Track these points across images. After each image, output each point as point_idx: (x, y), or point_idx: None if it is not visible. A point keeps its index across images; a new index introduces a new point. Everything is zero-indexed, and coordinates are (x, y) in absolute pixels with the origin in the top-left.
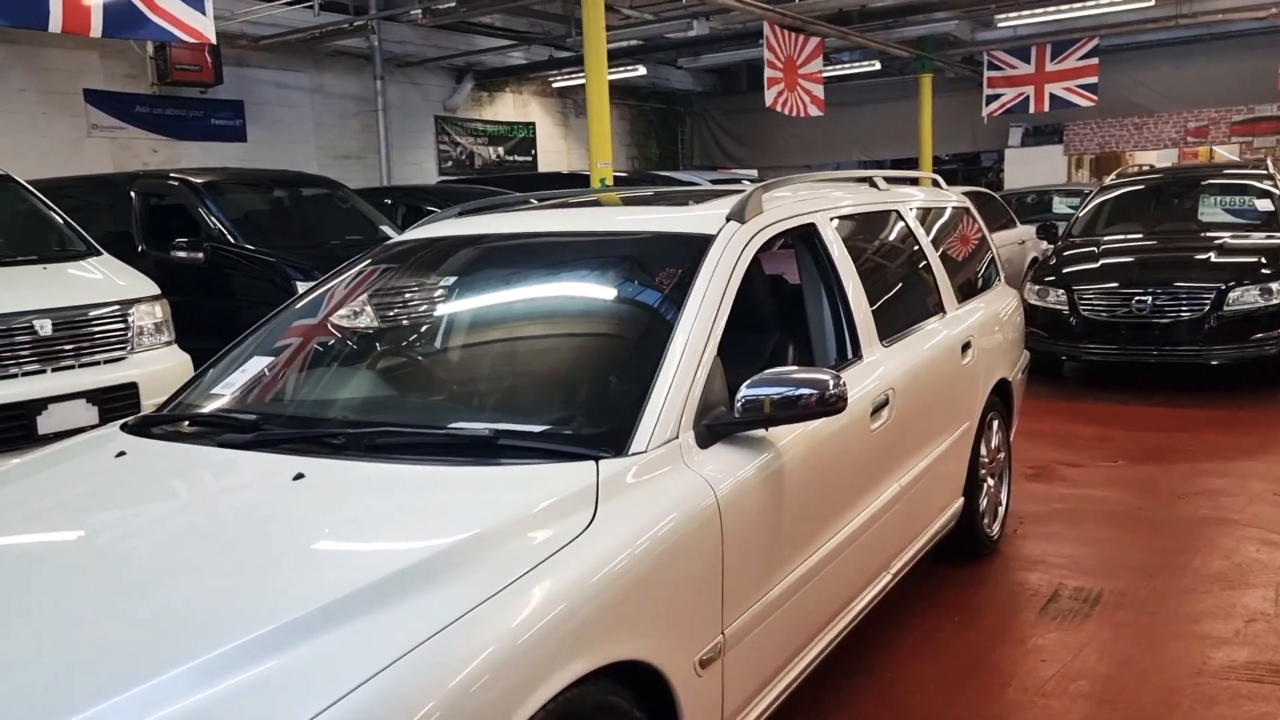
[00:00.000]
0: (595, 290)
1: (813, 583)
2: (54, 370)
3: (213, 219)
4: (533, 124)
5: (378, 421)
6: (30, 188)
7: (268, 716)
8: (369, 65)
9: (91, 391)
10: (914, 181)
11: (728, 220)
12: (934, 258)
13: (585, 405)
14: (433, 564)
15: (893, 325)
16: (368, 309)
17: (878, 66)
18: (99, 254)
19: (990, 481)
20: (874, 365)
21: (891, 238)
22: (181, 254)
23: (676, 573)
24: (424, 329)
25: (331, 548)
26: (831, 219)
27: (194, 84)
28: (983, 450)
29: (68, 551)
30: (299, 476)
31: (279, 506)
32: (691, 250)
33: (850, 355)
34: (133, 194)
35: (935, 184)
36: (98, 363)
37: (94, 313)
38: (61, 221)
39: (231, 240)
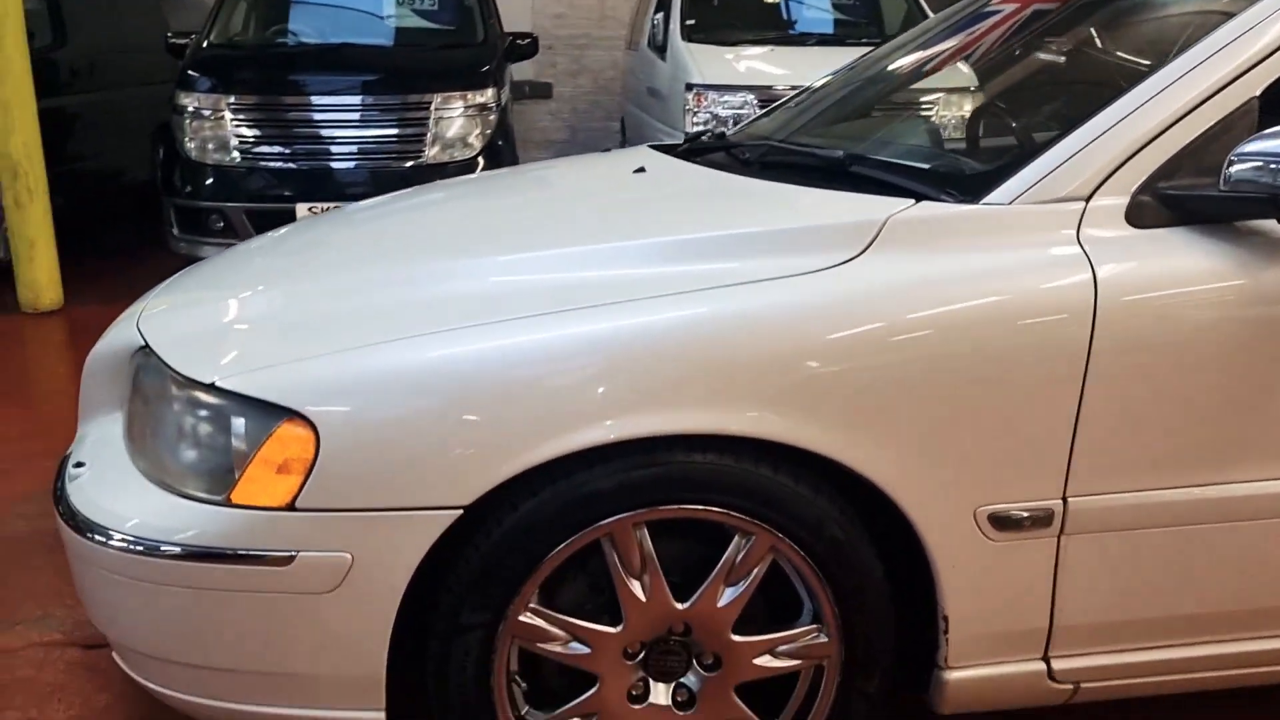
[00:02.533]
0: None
1: None
2: None
3: None
4: None
5: (792, 141)
6: None
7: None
8: None
9: None
10: None
11: None
12: None
13: (980, 143)
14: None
15: None
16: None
17: None
18: None
19: None
20: None
21: None
22: None
23: (966, 376)
24: (942, 55)
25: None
26: None
27: None
28: None
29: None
30: (640, 170)
31: (615, 185)
32: None
33: None
34: None
35: None
36: None
37: None
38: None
39: None
